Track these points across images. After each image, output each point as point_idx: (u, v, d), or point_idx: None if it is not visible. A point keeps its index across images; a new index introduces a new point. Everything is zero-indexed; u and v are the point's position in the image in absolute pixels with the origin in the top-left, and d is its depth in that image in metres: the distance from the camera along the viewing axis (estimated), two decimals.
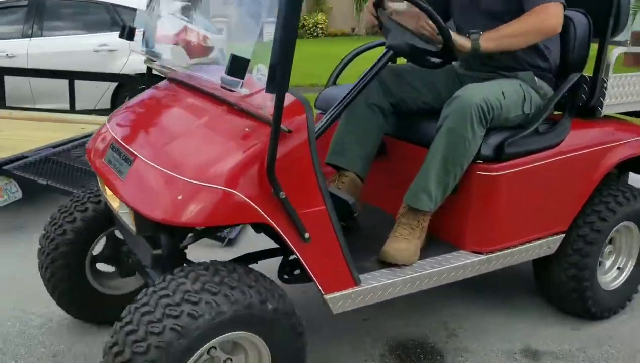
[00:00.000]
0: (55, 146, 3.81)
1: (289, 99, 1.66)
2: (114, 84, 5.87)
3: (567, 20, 2.32)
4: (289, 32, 1.49)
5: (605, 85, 2.41)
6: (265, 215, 1.65)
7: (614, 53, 2.41)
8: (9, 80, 5.05)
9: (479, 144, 2.09)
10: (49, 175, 3.50)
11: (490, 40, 2.09)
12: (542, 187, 2.28)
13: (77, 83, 5.09)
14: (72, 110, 4.85)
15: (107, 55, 5.96)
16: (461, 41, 2.05)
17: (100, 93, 5.84)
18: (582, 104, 2.44)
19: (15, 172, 3.40)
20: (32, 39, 5.99)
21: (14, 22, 6.22)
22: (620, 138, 2.48)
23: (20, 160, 3.50)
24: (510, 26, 2.13)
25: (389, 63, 2.18)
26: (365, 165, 2.33)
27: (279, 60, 1.49)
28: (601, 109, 2.44)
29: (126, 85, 5.62)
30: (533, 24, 2.12)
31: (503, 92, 2.15)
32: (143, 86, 2.48)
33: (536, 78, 2.32)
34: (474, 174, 2.13)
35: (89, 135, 4.25)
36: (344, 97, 2.08)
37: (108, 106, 5.87)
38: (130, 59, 5.90)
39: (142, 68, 5.86)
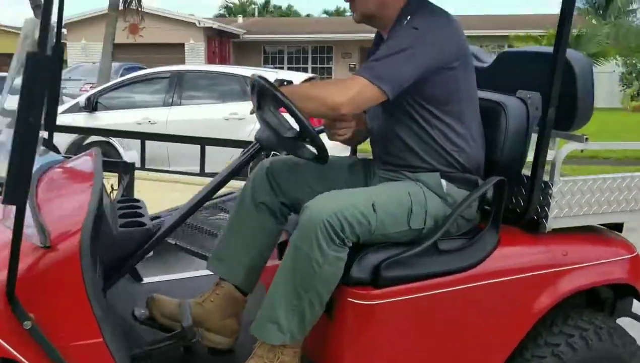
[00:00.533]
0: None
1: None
2: (240, 150, 6.23)
3: (497, 108, 1.92)
4: (26, 128, 1.23)
5: (550, 191, 1.89)
6: (11, 349, 1.38)
7: (563, 151, 1.92)
8: (149, 144, 5.52)
9: (338, 266, 1.70)
10: (178, 235, 3.71)
11: (287, 92, 1.78)
12: (447, 321, 1.80)
13: (208, 147, 5.44)
14: (202, 173, 5.18)
15: (236, 122, 6.40)
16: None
17: (227, 157, 6.22)
18: (520, 215, 1.95)
19: None
20: (172, 107, 6.60)
21: (157, 92, 6.92)
22: (577, 260, 1.93)
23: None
24: (312, 86, 1.93)
25: (281, 155, 2.02)
26: (249, 275, 1.98)
27: (14, 164, 1.24)
28: (546, 221, 1.90)
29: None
30: (322, 92, 1.80)
31: (373, 204, 1.75)
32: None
33: (444, 182, 1.87)
34: (345, 300, 1.73)
35: (215, 198, 4.48)
36: (196, 198, 1.85)
37: None
38: (256, 126, 6.24)
39: None
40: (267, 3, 44.24)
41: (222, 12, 42.70)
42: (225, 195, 4.65)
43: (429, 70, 1.79)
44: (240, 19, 29.29)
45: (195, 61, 21.81)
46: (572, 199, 1.91)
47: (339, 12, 47.27)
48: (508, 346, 1.87)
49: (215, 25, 23.82)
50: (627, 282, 1.99)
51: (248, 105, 6.60)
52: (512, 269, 1.86)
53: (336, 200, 1.75)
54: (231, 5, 42.22)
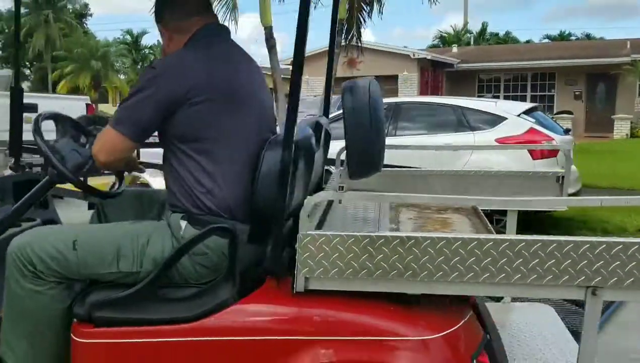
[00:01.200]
0: None
1: None
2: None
3: (264, 145, 1.80)
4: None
5: (295, 246, 1.59)
6: None
7: (309, 202, 1.61)
8: None
9: (38, 299, 1.73)
10: None
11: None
12: None
13: None
14: None
15: (449, 153, 6.30)
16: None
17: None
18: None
19: None
20: (386, 138, 6.76)
21: None
22: (327, 331, 1.62)
23: None
24: None
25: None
26: None
27: None
28: (294, 280, 1.62)
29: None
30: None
31: (75, 242, 1.76)
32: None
33: (183, 224, 1.78)
34: (71, 336, 1.74)
35: None
36: None
37: None
38: (471, 158, 6.12)
39: (483, 166, 6.10)
40: (483, 31, 43.41)
41: (436, 42, 42.97)
42: None
43: (169, 107, 1.75)
44: (454, 49, 29.13)
45: (408, 92, 22.17)
46: (327, 257, 1.58)
47: (563, 37, 44.40)
48: None
49: (429, 56, 24.03)
50: None
51: (463, 137, 6.65)
52: (240, 329, 1.66)
53: (37, 234, 1.81)
54: (445, 35, 42.27)
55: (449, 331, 1.64)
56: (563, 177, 2.43)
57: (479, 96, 22.00)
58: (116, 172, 2.18)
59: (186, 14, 1.91)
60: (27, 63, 46.77)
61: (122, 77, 40.19)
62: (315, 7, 13.89)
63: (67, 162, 1.94)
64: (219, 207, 1.81)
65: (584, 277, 1.52)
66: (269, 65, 12.51)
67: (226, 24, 13.91)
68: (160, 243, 1.80)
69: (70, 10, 45.62)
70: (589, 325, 1.56)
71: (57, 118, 2.06)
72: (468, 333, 1.69)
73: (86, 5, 48.08)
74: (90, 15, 48.75)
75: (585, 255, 1.51)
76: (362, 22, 13.49)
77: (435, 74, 24.44)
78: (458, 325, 1.67)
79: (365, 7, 13.34)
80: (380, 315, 1.66)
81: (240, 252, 1.73)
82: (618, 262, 1.51)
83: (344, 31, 12.73)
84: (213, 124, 1.79)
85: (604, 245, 1.50)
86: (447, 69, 24.86)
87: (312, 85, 23.44)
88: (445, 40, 40.13)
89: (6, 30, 46.95)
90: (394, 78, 22.96)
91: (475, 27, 42.95)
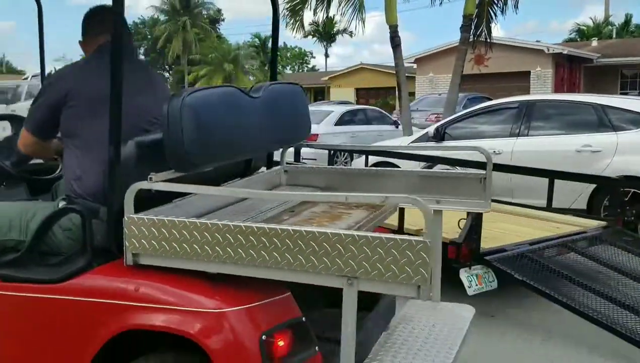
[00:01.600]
0: (532, 243, 3.89)
1: None
2: (592, 186, 5.67)
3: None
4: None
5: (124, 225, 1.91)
6: None
7: (131, 189, 1.89)
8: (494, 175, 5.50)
9: None
10: (524, 271, 3.56)
11: None
12: (38, 326, 2.08)
13: (556, 181, 5.13)
14: (548, 208, 4.89)
15: (589, 155, 5.85)
16: None
17: (576, 193, 5.73)
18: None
19: (495, 263, 3.58)
20: (518, 138, 6.41)
21: (503, 122, 6.81)
22: (142, 299, 1.88)
23: (499, 253, 3.69)
24: None
25: None
26: None
27: None
28: (124, 253, 1.93)
29: (605, 188, 5.39)
30: None
31: None
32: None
33: (62, 204, 2.22)
34: None
35: (563, 236, 4.18)
36: None
37: (584, 207, 5.69)
38: (614, 160, 5.63)
39: (627, 170, 5.55)
40: (627, 23, 40.00)
41: (572, 36, 40.29)
42: (576, 234, 4.29)
43: (56, 108, 2.17)
44: (594, 42, 27.12)
45: (541, 89, 21.00)
46: (146, 237, 1.87)
47: None
48: None
49: (566, 50, 22.56)
50: (188, 336, 1.80)
51: (603, 137, 6.15)
52: (86, 291, 1.97)
53: None
54: (583, 28, 39.47)
55: (241, 307, 1.82)
56: (485, 178, 2.50)
57: (621, 93, 20.29)
58: (54, 159, 2.64)
59: (90, 34, 2.37)
60: (167, 66, 50.32)
61: (250, 78, 42.01)
62: (441, 3, 13.54)
63: (13, 156, 2.46)
64: (85, 192, 2.17)
65: (336, 267, 1.66)
66: (392, 63, 12.37)
67: (353, 23, 13.90)
68: (41, 219, 2.17)
69: (205, 16, 48.44)
70: (346, 313, 1.69)
71: (12, 119, 2.59)
72: (267, 312, 1.86)
73: (219, 10, 50.73)
74: (223, 20, 51.52)
75: (336, 246, 1.65)
76: (493, 16, 12.90)
77: (572, 69, 22.94)
78: (255, 304, 1.85)
79: (496, 1, 12.74)
80: (186, 288, 1.89)
81: (101, 229, 2.03)
82: (363, 255, 1.62)
83: (472, 27, 12.25)
84: (86, 124, 2.16)
85: (350, 238, 1.63)
86: (586, 64, 23.21)
87: (436, 83, 22.92)
88: (583, 34, 37.57)
89: (149, 37, 50.84)
90: (526, 75, 21.86)
91: (617, 19, 39.73)
